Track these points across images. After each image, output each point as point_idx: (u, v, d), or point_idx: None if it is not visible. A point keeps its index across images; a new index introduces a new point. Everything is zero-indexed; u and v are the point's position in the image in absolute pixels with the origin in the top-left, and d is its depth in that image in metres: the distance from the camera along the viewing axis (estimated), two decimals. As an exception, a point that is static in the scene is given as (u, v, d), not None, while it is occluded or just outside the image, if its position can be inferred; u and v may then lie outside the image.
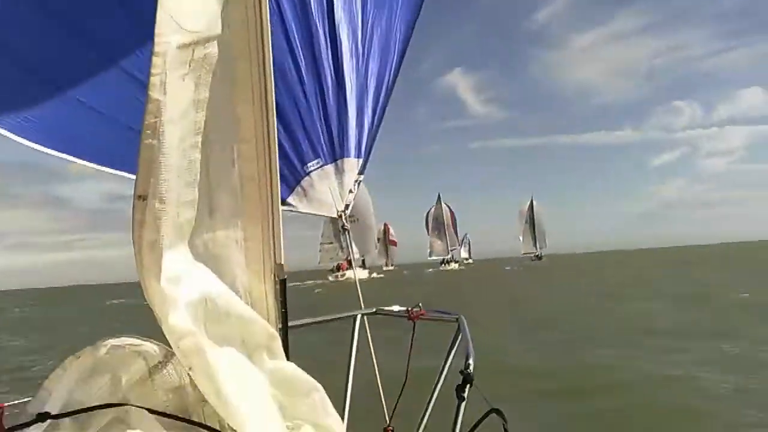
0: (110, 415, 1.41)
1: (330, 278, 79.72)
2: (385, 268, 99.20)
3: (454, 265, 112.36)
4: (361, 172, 3.76)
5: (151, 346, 1.54)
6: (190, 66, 1.23)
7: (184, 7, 1.20)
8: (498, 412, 1.86)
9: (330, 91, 3.59)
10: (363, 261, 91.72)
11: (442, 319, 2.82)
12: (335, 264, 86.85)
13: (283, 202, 3.55)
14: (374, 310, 3.08)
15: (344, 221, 3.75)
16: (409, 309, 2.89)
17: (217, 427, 1.43)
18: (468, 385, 2.06)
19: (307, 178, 3.63)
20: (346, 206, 3.76)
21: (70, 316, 38.99)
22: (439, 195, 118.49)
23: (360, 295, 3.58)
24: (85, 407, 1.35)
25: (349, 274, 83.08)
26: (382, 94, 3.77)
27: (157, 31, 1.13)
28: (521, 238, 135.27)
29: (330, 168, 3.67)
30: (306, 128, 3.55)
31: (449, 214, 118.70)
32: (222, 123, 1.38)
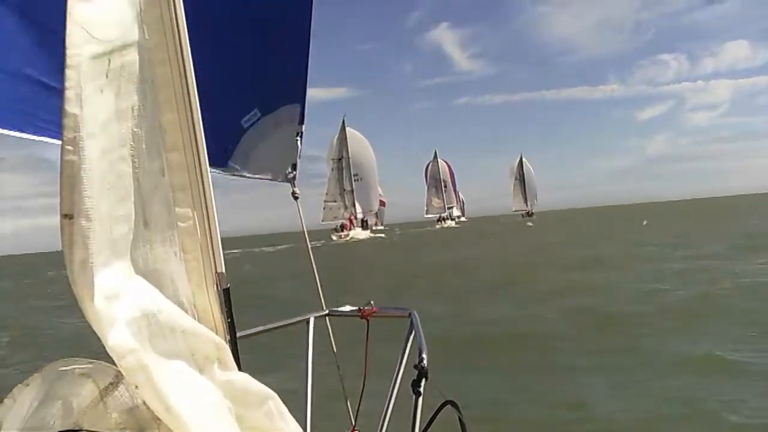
0: None
1: (333, 237, 77.18)
2: (375, 228, 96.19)
3: (450, 223, 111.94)
4: (300, 122, 3.43)
5: (100, 367, 1.49)
6: (107, 76, 1.19)
7: (95, 17, 1.16)
8: (453, 404, 1.88)
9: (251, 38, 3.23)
10: (364, 222, 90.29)
11: (395, 315, 2.82)
12: (339, 223, 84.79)
13: (226, 166, 3.29)
14: (326, 312, 3.05)
15: (294, 188, 3.46)
16: (361, 308, 2.87)
17: None
18: (423, 380, 2.07)
19: (245, 136, 3.30)
20: (293, 166, 3.46)
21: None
22: (435, 151, 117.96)
23: (321, 295, 3.33)
24: None
25: (353, 233, 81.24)
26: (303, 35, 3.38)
27: (67, 43, 1.09)
28: (512, 195, 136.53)
29: (268, 120, 3.34)
30: (237, 79, 3.24)
31: (447, 170, 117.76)
32: (148, 132, 1.35)
